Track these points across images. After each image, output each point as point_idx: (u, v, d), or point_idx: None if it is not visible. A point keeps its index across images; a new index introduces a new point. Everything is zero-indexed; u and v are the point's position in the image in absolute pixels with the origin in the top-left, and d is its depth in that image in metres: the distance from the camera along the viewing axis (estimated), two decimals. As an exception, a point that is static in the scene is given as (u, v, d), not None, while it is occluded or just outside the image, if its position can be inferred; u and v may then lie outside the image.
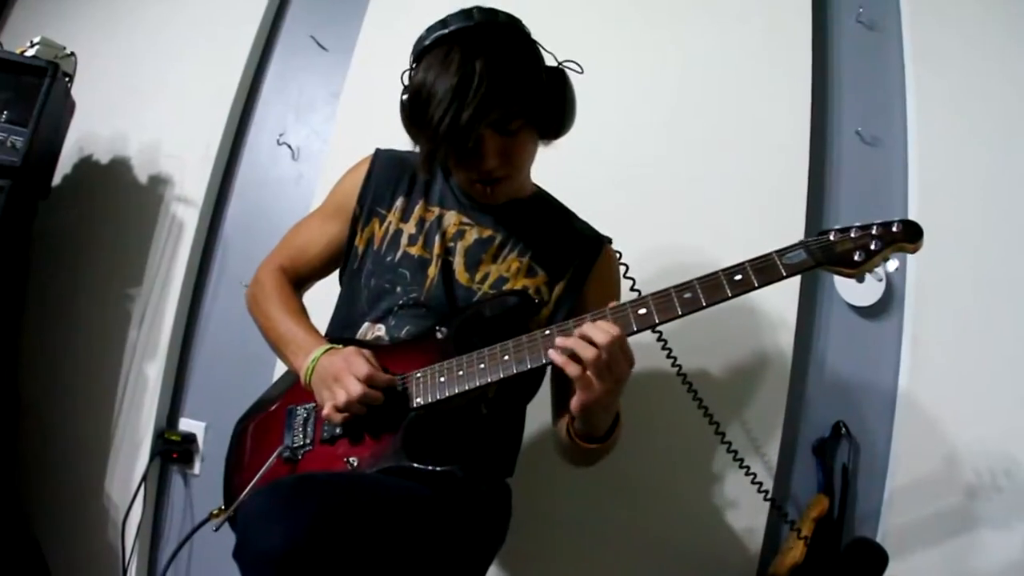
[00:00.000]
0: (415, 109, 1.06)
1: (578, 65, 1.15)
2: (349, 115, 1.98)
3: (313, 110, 2.11)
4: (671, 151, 1.75)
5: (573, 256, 1.23)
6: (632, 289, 1.21)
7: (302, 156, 2.08)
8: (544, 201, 1.31)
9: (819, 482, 1.59)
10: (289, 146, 2.08)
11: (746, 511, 1.56)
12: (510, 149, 1.10)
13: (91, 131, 2.18)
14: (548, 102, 1.11)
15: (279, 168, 2.09)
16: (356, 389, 1.06)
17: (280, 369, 1.77)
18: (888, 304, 1.65)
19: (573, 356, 0.98)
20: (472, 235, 1.23)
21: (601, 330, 0.97)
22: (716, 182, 1.70)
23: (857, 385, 1.64)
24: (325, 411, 1.09)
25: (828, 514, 1.53)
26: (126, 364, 2.04)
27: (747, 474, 1.34)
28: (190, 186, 2.07)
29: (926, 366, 1.57)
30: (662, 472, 1.63)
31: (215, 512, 1.21)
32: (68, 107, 1.98)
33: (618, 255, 1.28)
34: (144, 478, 1.92)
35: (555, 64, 1.15)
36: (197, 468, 1.99)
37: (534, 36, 1.14)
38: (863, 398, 1.63)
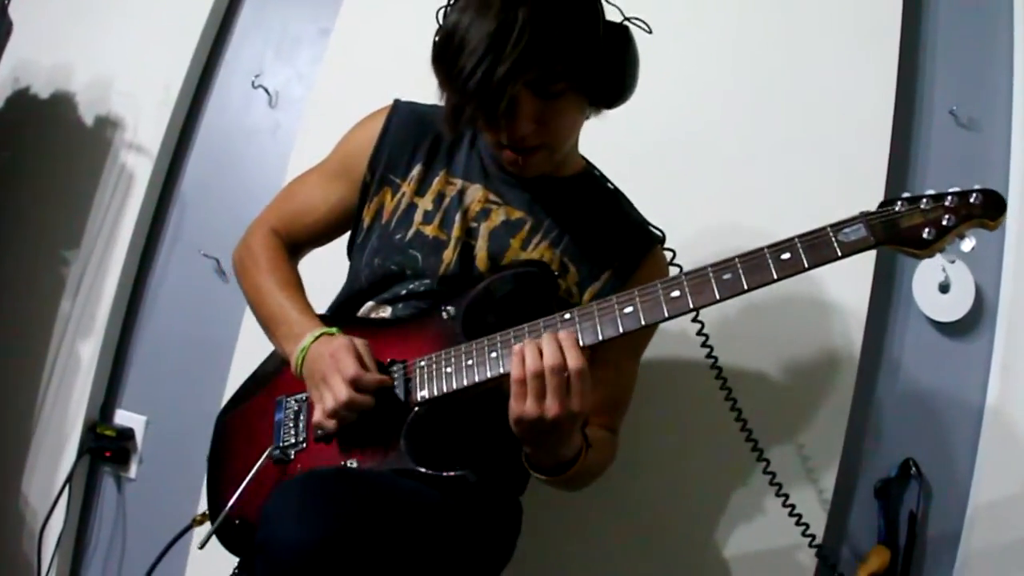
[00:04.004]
0: (445, 56, 1.06)
1: (646, 24, 1.15)
2: (339, 57, 1.97)
3: (297, 49, 2.10)
4: (726, 122, 1.73)
5: (613, 256, 1.24)
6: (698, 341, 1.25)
7: (280, 102, 2.07)
8: (591, 181, 1.31)
9: (880, 530, 1.58)
10: (266, 90, 2.07)
11: (789, 558, 1.54)
12: (549, 115, 1.10)
13: (29, 59, 2.17)
14: (603, 65, 1.11)
15: (252, 115, 2.08)
16: (342, 395, 1.08)
17: (240, 356, 1.84)
18: (976, 321, 1.64)
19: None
20: (499, 216, 1.24)
21: (552, 350, 0.99)
22: (778, 162, 1.69)
23: (933, 417, 1.63)
24: (316, 417, 1.12)
25: (889, 570, 1.52)
26: (55, 341, 2.03)
27: (791, 514, 1.32)
28: (144, 131, 2.06)
29: (1018, 398, 1.55)
30: (689, 500, 1.61)
31: (198, 518, 1.24)
32: (3, 28, 1.97)
33: (671, 255, 1.28)
34: (69, 479, 1.91)
35: (619, 20, 1.14)
36: (133, 471, 1.98)
37: None
38: (939, 433, 1.62)
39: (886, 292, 1.68)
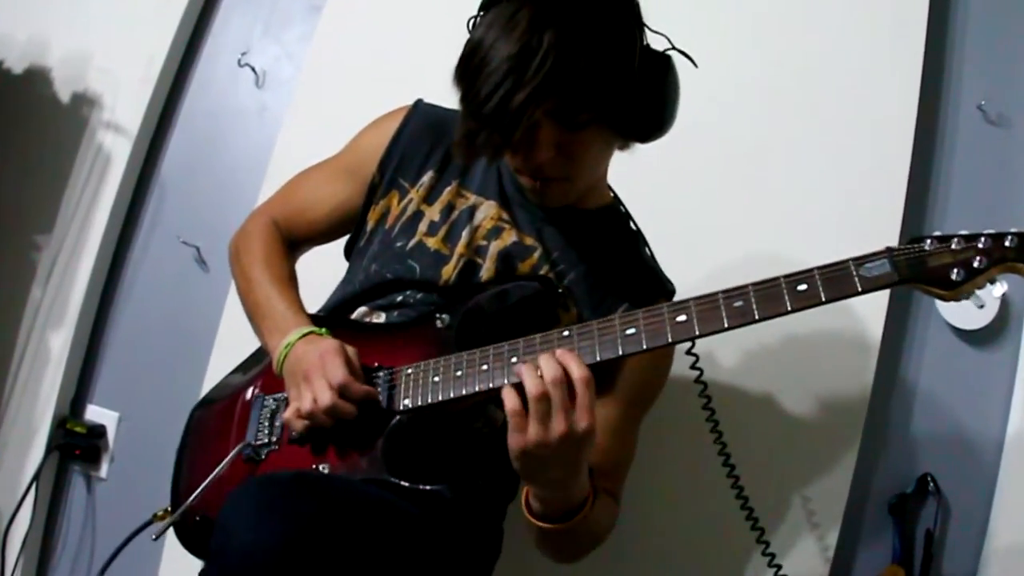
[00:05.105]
0: (464, 74, 1.05)
1: (691, 59, 1.14)
2: (331, 36, 1.95)
3: (287, 25, 2.09)
4: (744, 115, 1.71)
5: (618, 302, 1.22)
6: (691, 361, 1.21)
7: (268, 82, 2.06)
8: (614, 219, 1.30)
9: (895, 549, 1.57)
10: (253, 69, 2.06)
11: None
12: (571, 146, 1.09)
13: (2, 31, 2.15)
14: (636, 97, 1.08)
15: (238, 95, 2.07)
16: (325, 398, 1.07)
17: (220, 350, 1.84)
18: (1001, 329, 1.63)
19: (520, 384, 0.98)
20: (510, 236, 1.23)
21: (551, 365, 0.95)
22: (797, 159, 1.67)
23: (953, 429, 1.62)
24: (285, 414, 1.12)
25: (903, 591, 1.52)
26: (24, 331, 2.02)
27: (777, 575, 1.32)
28: (123, 110, 2.04)
29: (1044, 412, 1.55)
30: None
31: (159, 514, 1.25)
32: (-26, -2, 1.97)
33: None
34: (36, 477, 1.91)
35: (661, 50, 1.13)
36: (104, 470, 1.98)
37: (642, 10, 1.12)
38: (959, 447, 1.61)
39: (906, 297, 1.67)
